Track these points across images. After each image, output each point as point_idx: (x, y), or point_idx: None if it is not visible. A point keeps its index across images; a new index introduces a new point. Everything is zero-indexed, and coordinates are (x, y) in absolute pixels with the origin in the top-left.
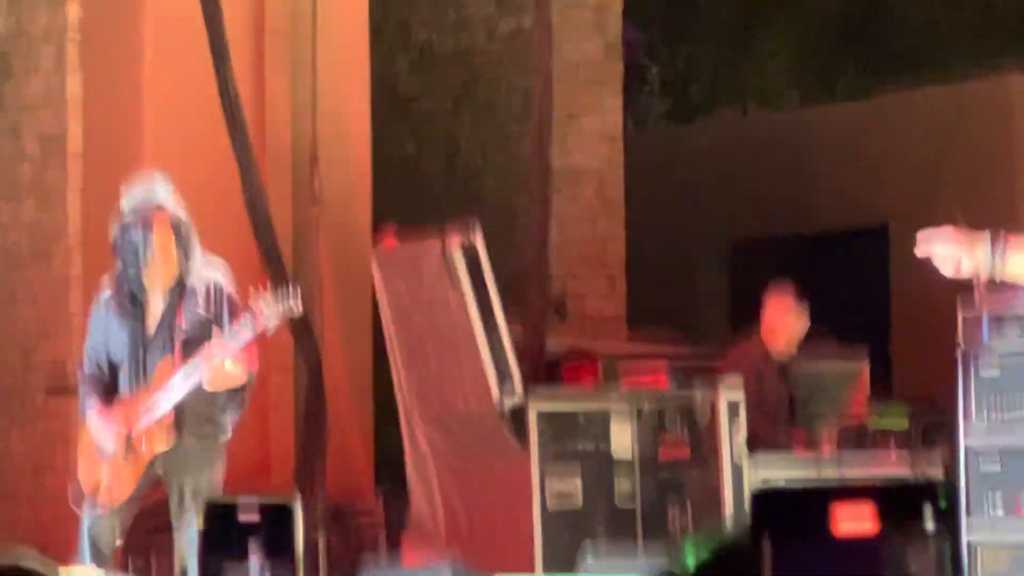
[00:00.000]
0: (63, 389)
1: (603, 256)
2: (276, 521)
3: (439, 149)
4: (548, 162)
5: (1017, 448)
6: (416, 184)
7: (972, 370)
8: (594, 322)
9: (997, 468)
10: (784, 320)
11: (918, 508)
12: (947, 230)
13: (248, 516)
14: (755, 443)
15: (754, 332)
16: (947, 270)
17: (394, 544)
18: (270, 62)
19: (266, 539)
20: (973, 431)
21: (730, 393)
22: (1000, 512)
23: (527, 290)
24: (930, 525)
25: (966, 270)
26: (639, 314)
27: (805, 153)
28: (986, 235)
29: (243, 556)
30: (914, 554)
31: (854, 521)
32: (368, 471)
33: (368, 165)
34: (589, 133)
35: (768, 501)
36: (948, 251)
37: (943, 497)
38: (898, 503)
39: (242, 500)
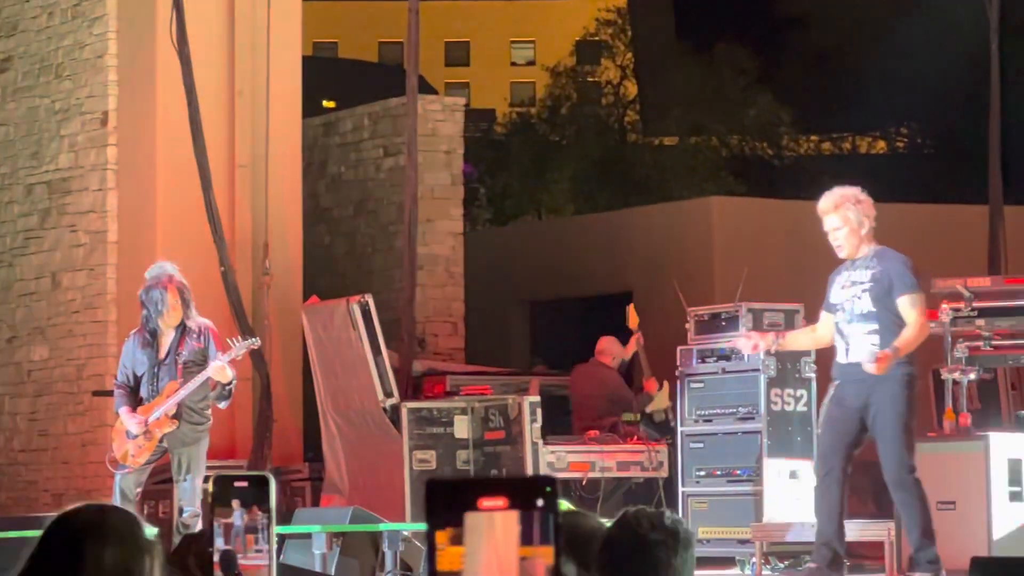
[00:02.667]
0: (103, 392)
1: (449, 310)
2: (257, 486)
3: (345, 242)
4: (414, 250)
5: (713, 433)
6: (330, 264)
7: (686, 384)
8: (443, 353)
9: (701, 446)
10: (612, 349)
11: (539, 491)
12: (750, 332)
13: (240, 483)
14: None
15: (594, 357)
16: (749, 349)
17: (316, 495)
18: (238, 186)
19: (251, 497)
20: (686, 423)
21: (531, 398)
22: (702, 474)
23: (400, 331)
24: (540, 502)
25: (760, 348)
26: (472, 348)
27: (579, 245)
28: (772, 334)
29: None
30: (527, 518)
31: (491, 500)
32: (298, 446)
33: (300, 250)
34: (441, 232)
35: (436, 487)
36: (750, 339)
37: (550, 487)
38: (523, 488)
39: (236, 474)
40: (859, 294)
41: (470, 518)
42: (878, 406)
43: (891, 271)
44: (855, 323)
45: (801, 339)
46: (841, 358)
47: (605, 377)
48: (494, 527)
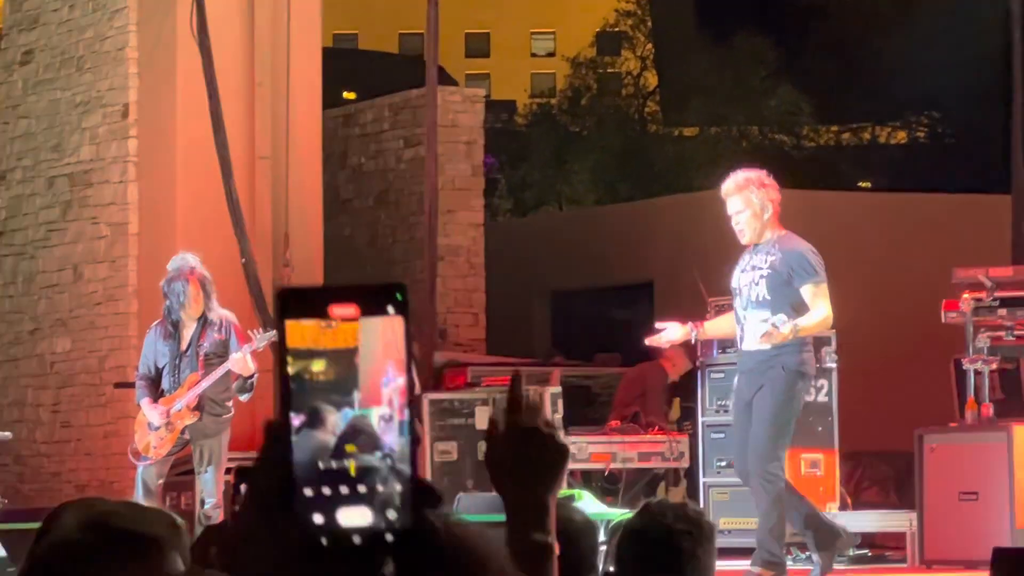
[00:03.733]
0: (125, 384)
1: (470, 301)
2: None
3: (365, 232)
4: (435, 241)
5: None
6: (350, 255)
7: (707, 374)
8: (464, 344)
9: (722, 436)
10: (677, 359)
11: (390, 298)
12: (672, 323)
13: None
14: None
15: (655, 359)
16: (664, 343)
17: None
18: (259, 178)
19: None
20: (707, 413)
21: (552, 388)
22: (723, 464)
23: (421, 322)
24: (391, 310)
25: (676, 341)
26: (493, 339)
27: (600, 235)
28: (690, 324)
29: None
30: (387, 325)
31: (341, 308)
32: None
33: (320, 242)
34: (461, 223)
35: (286, 294)
36: (674, 331)
37: (401, 293)
38: (375, 295)
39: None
40: (756, 280)
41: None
42: (760, 392)
43: (791, 260)
44: (751, 310)
45: (722, 325)
46: (739, 344)
47: (656, 375)
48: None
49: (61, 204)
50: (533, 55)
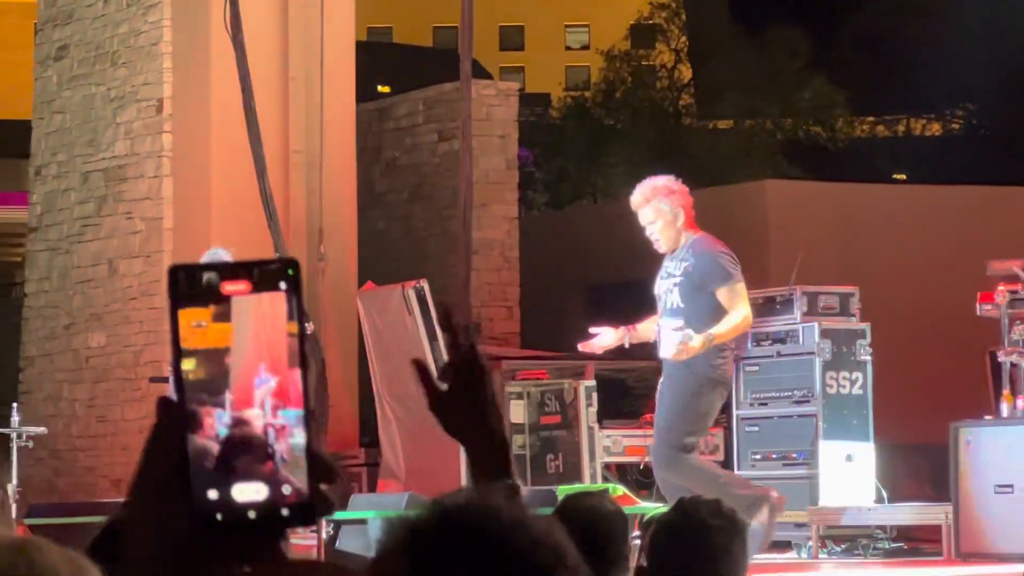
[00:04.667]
0: (160, 379)
1: (504, 294)
2: None
3: (399, 226)
4: (470, 235)
5: (768, 416)
6: (385, 249)
7: (741, 367)
8: (498, 337)
9: (756, 429)
10: None
11: (280, 276)
12: (605, 328)
13: None
14: None
15: None
16: (598, 349)
17: (372, 480)
18: (293, 172)
19: None
20: (741, 406)
21: (586, 382)
22: (758, 457)
23: (456, 316)
24: (283, 285)
25: (610, 345)
26: (527, 333)
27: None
28: (624, 328)
29: None
30: (272, 300)
31: (233, 285)
32: (354, 432)
33: (355, 236)
34: (496, 216)
35: (178, 272)
36: (607, 337)
37: (293, 269)
38: (266, 271)
39: None
40: (671, 288)
41: (237, 300)
42: (670, 390)
43: (701, 266)
44: (666, 318)
45: (653, 328)
46: (658, 351)
47: None
48: (262, 305)
49: (96, 199)
50: (567, 48)
